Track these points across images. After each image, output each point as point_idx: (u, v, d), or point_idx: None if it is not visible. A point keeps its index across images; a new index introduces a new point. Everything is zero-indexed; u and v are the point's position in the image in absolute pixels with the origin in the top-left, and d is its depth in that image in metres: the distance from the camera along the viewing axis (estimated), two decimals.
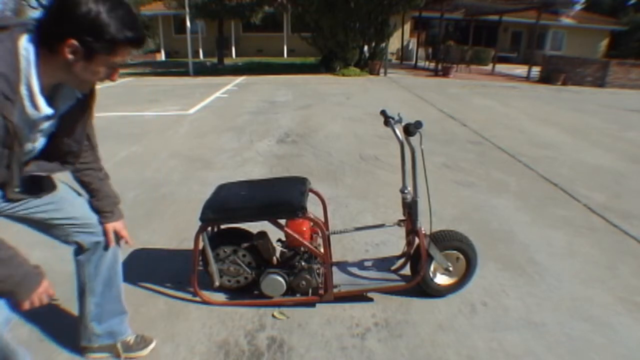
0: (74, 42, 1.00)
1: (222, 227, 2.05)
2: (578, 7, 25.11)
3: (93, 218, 1.45)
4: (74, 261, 1.51)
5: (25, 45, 1.01)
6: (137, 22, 1.08)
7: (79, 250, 1.48)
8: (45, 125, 1.17)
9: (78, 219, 1.41)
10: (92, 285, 1.52)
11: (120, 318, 1.61)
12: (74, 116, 1.24)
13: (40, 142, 1.21)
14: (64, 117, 1.22)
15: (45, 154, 1.26)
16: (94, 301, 1.53)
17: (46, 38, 1.02)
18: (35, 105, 1.07)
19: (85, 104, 1.25)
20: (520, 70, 17.55)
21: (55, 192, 1.38)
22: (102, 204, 1.48)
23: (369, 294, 2.05)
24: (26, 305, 1.14)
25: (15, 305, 1.15)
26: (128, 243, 1.57)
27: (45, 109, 1.10)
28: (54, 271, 1.81)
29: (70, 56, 1.02)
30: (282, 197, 1.91)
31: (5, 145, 1.02)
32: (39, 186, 1.32)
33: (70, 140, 1.26)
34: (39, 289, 1.15)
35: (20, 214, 1.32)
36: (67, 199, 1.41)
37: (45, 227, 1.39)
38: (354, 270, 2.11)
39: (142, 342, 1.66)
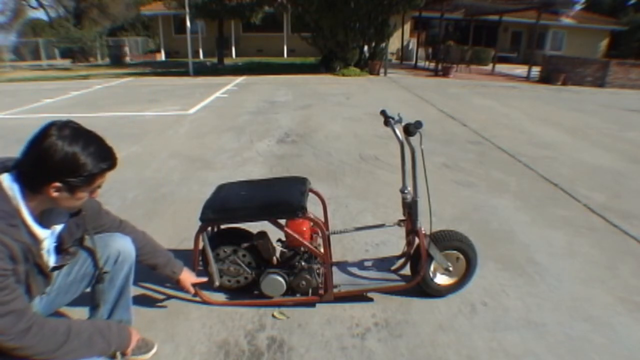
0: (58, 184, 1.10)
1: (222, 227, 2.05)
2: (578, 7, 25.11)
3: (107, 246, 1.50)
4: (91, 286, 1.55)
5: (9, 184, 1.11)
6: (109, 151, 1.20)
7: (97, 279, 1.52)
8: (47, 243, 1.27)
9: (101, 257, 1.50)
10: (106, 296, 1.54)
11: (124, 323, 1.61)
12: (72, 228, 1.36)
13: (52, 258, 1.31)
14: (64, 231, 1.33)
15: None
16: (105, 308, 1.56)
17: (30, 183, 1.12)
18: (32, 234, 1.18)
19: (81, 214, 1.37)
20: (520, 70, 17.54)
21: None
22: (164, 269, 1.72)
23: (369, 294, 2.05)
24: (129, 352, 1.35)
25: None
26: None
27: (42, 234, 1.22)
28: None
29: (55, 194, 1.12)
30: (282, 197, 1.91)
31: (29, 261, 1.15)
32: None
33: (71, 242, 1.38)
34: (132, 337, 1.35)
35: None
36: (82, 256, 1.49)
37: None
38: (354, 270, 2.11)
39: (144, 346, 1.65)
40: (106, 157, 1.18)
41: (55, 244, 1.32)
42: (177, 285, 1.84)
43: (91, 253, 1.46)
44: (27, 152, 1.10)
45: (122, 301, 1.58)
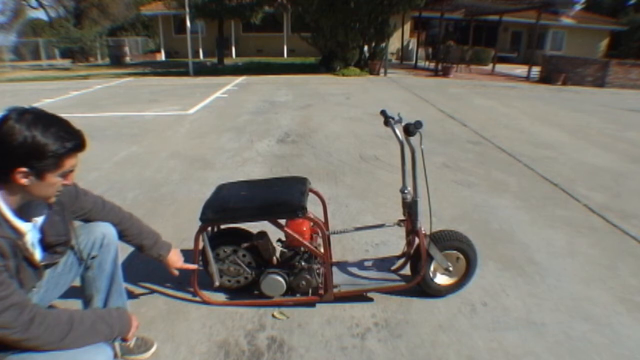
0: (23, 169, 1.08)
1: (222, 227, 2.05)
2: (578, 7, 25.11)
3: (91, 232, 1.50)
4: (79, 277, 1.54)
5: None
6: (73, 130, 1.16)
7: (86, 266, 1.52)
8: (30, 236, 1.25)
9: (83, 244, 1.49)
10: (98, 283, 1.54)
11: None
12: (53, 219, 1.34)
13: (37, 252, 1.30)
14: (45, 223, 1.31)
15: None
16: (99, 297, 1.55)
17: None
18: (14, 228, 1.16)
19: (59, 200, 1.32)
20: (520, 70, 17.54)
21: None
22: (150, 251, 1.68)
23: (369, 294, 2.05)
24: (130, 338, 1.33)
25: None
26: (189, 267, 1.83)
27: (24, 227, 1.20)
28: None
29: (23, 181, 1.10)
30: (282, 197, 1.91)
31: (17, 255, 1.15)
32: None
33: (57, 237, 1.34)
34: (133, 322, 1.33)
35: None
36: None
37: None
38: (354, 270, 2.11)
39: (143, 345, 1.65)
40: (70, 138, 1.14)
41: (39, 237, 1.30)
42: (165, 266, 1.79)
43: (74, 240, 1.45)
44: None
45: (114, 287, 1.57)
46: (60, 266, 1.45)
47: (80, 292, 1.57)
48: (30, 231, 1.24)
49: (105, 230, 1.52)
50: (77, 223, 1.49)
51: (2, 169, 1.09)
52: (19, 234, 1.19)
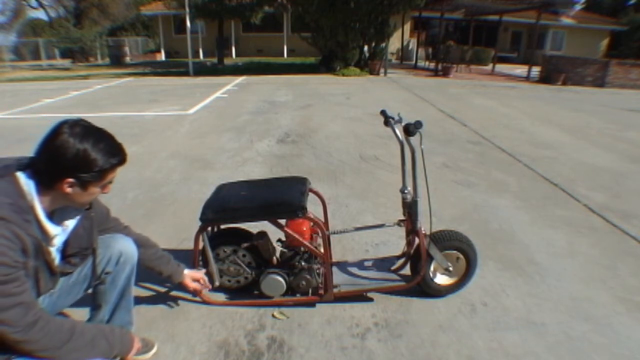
0: (70, 179, 1.14)
1: (222, 227, 2.05)
2: (578, 7, 25.11)
3: (109, 247, 1.51)
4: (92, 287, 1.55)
5: (25, 181, 1.14)
6: (119, 147, 1.23)
7: (101, 278, 1.53)
8: (58, 240, 1.29)
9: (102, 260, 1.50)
10: (108, 297, 1.55)
11: (126, 328, 1.61)
12: (79, 232, 1.38)
13: (57, 258, 1.33)
14: (71, 234, 1.35)
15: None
16: (107, 308, 1.56)
17: (44, 179, 1.15)
18: (43, 230, 1.20)
19: (89, 215, 1.39)
20: (521, 70, 17.53)
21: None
22: (170, 278, 1.74)
23: (369, 294, 2.05)
24: (130, 359, 1.34)
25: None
26: (206, 286, 1.85)
27: (54, 230, 1.24)
28: None
29: (68, 190, 1.16)
30: (282, 197, 1.91)
31: (38, 257, 1.17)
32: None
33: (77, 249, 1.39)
34: (134, 344, 1.35)
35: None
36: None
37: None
38: (354, 270, 2.11)
39: (144, 346, 1.64)
40: (116, 153, 1.21)
41: (62, 246, 1.33)
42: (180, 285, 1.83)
43: (93, 255, 1.47)
44: (40, 150, 1.13)
45: (123, 302, 1.58)
46: (74, 275, 1.46)
47: (90, 299, 1.58)
48: (59, 235, 1.27)
49: (124, 247, 1.53)
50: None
51: (52, 178, 1.14)
52: (47, 236, 1.21)
